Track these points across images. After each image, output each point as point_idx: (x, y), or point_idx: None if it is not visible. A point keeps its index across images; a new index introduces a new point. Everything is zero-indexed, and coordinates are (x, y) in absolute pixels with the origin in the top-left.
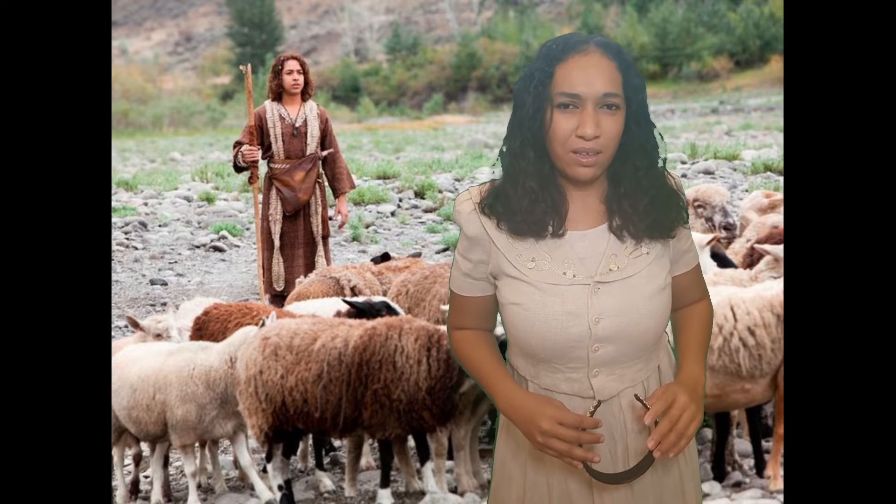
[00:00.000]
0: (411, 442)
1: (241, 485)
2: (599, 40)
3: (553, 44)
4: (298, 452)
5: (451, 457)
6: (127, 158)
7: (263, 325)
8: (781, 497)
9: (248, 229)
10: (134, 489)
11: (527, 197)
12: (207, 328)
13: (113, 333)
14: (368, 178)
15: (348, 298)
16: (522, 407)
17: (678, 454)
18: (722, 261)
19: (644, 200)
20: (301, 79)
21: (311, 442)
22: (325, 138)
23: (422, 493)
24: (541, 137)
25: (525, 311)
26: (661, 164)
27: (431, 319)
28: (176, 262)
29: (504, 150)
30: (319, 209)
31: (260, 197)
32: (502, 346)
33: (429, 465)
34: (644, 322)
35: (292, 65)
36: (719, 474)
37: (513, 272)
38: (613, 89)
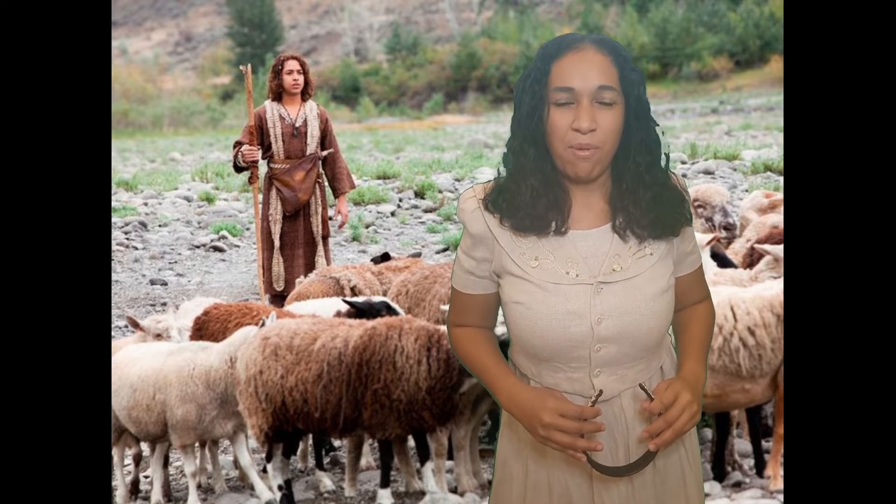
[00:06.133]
0: (411, 442)
1: (241, 485)
2: (595, 38)
3: (550, 43)
4: (298, 452)
5: (451, 457)
6: (127, 158)
7: (263, 325)
8: (781, 497)
9: (248, 229)
10: (134, 489)
11: (529, 193)
12: (207, 328)
13: (113, 333)
14: (368, 178)
15: (348, 298)
16: (524, 401)
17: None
18: (722, 261)
19: (647, 196)
20: (301, 79)
21: (311, 442)
22: (325, 138)
23: (422, 493)
24: (539, 135)
25: (527, 309)
26: (664, 161)
27: (431, 319)
28: (176, 262)
29: (507, 150)
30: (319, 209)
31: (260, 197)
32: (503, 345)
33: (429, 465)
34: (646, 323)
35: (292, 65)
36: (719, 474)
37: (516, 270)
38: (608, 82)
